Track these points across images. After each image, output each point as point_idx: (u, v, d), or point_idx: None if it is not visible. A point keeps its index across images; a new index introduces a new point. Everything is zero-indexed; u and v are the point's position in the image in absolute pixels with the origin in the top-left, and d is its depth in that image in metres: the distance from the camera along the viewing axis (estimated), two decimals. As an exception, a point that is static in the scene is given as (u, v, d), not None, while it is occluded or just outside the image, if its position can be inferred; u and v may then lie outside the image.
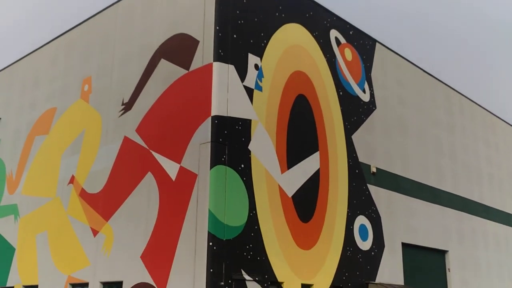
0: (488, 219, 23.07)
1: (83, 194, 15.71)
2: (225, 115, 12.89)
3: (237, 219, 12.54)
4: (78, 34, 18.11)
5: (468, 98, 23.97)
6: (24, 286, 17.01)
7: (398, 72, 19.81)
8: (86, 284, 14.74)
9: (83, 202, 15.61)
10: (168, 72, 14.22)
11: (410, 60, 20.68)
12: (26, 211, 17.91)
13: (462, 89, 23.80)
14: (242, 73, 13.59)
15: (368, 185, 16.87)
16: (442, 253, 19.92)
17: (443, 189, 20.54)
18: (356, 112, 17.15)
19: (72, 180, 16.31)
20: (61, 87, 18.08)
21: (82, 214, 15.51)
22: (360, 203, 16.35)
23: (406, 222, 18.22)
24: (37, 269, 16.52)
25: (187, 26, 14.09)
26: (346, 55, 17.38)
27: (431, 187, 19.88)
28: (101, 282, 14.36)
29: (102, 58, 16.74)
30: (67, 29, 18.66)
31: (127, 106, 15.13)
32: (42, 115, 18.59)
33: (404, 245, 17.77)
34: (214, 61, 13.11)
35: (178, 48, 14.18)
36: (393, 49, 19.82)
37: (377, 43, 19.00)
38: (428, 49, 59.20)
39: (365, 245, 16.08)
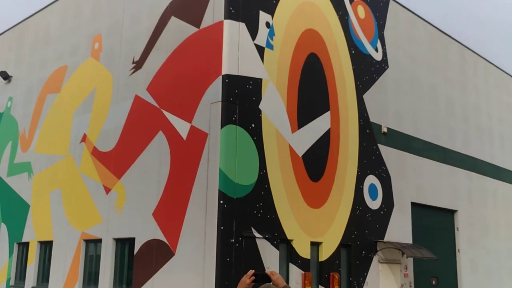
0: (498, 179, 23.04)
1: (95, 152, 15.85)
2: (236, 74, 12.82)
3: (248, 177, 12.64)
4: (87, -9, 17.90)
5: (483, 57, 23.56)
6: (39, 241, 17.42)
7: (411, 30, 19.46)
8: (99, 240, 15.05)
9: (95, 160, 15.77)
10: (178, 30, 14.09)
11: (425, 18, 20.26)
12: (39, 169, 18.15)
13: (477, 48, 23.41)
14: (253, 31, 13.44)
15: (379, 145, 16.85)
16: (451, 212, 20.02)
17: (454, 149, 20.47)
18: (368, 71, 16.97)
19: (84, 138, 16.43)
20: (71, 45, 18.01)
21: (95, 172, 15.70)
22: (370, 162, 16.36)
23: (416, 182, 18.26)
24: (52, 225, 16.86)
25: (197, -17, 13.86)
26: (359, 12, 17.07)
27: (442, 147, 19.81)
28: (114, 239, 14.66)
29: (112, 15, 16.58)
30: (76, -15, 18.44)
31: (138, 65, 15.07)
32: (53, 73, 18.59)
33: (414, 205, 17.86)
34: (225, 19, 12.94)
35: (189, 6, 13.99)
36: (407, 6, 19.41)
37: (390, 0, 18.60)
38: (446, 8, 57.83)
39: (374, 204, 16.18)
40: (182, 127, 13.30)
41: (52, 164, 17.61)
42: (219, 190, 12.07)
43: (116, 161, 15.07)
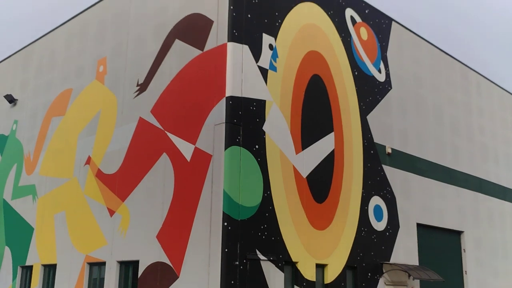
0: (504, 200, 22.88)
1: (100, 175, 15.86)
2: (240, 95, 12.86)
3: (252, 199, 12.59)
4: (92, 15, 18.11)
5: (486, 78, 23.61)
6: (42, 265, 17.33)
7: (414, 51, 19.56)
8: (103, 263, 14.96)
9: (100, 183, 15.77)
10: (182, 53, 14.19)
11: (427, 39, 20.37)
12: (44, 192, 18.15)
13: (480, 68, 23.48)
14: (257, 54, 13.52)
15: (383, 166, 16.80)
16: (457, 233, 19.85)
17: (459, 169, 20.39)
18: (371, 92, 17.01)
19: (88, 160, 16.46)
20: (76, 68, 18.16)
21: (99, 194, 15.68)
22: (375, 183, 16.30)
23: (422, 202, 18.15)
24: (55, 248, 16.80)
25: (201, 6, 14.01)
26: (361, 34, 17.18)
27: (447, 167, 19.73)
28: (118, 261, 14.57)
29: (116, 39, 16.74)
30: (82, 10, 18.66)
31: (142, 87, 15.16)
32: (58, 96, 18.72)
33: (419, 226, 17.73)
34: (228, 41, 13.04)
35: (193, 28, 14.12)
36: (409, 27, 19.53)
37: (393, 22, 18.73)
38: (448, 28, 58.20)
39: (379, 225, 16.07)
40: (186, 149, 13.31)
41: (57, 186, 17.61)
42: (223, 212, 12.02)
43: (121, 183, 15.06)
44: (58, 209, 17.20)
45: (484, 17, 60.70)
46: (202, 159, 12.83)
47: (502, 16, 60.56)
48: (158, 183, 13.81)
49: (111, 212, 15.06)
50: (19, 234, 18.69)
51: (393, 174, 17.09)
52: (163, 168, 13.80)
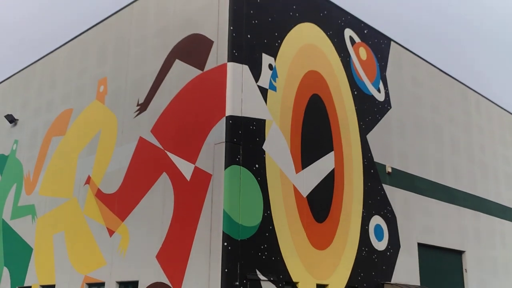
0: (505, 219, 22.79)
1: (99, 194, 15.83)
2: (240, 115, 12.90)
3: (252, 219, 12.55)
4: (93, 35, 18.26)
5: (485, 97, 23.71)
6: (41, 285, 17.19)
7: (413, 70, 19.66)
8: (103, 284, 14.85)
9: (99, 202, 15.73)
10: (182, 73, 14.28)
11: (426, 58, 20.50)
12: (43, 212, 18.10)
13: (479, 87, 23.60)
14: (256, 73, 13.60)
15: (384, 185, 16.77)
16: (458, 253, 19.73)
17: (459, 188, 20.35)
18: (371, 111, 17.06)
19: (88, 180, 16.44)
20: (77, 88, 18.25)
21: (98, 214, 15.63)
22: (375, 203, 16.25)
23: (422, 222, 18.07)
24: (54, 269, 16.68)
25: (201, 26, 14.14)
26: (360, 54, 17.30)
27: (447, 186, 19.70)
28: (117, 282, 14.46)
29: (117, 59, 16.85)
30: (83, 30, 18.82)
31: (142, 107, 15.22)
32: (58, 116, 18.77)
33: (420, 246, 17.63)
34: (228, 61, 13.12)
35: (193, 49, 14.22)
36: (408, 47, 19.67)
37: (392, 42, 18.87)
38: (446, 47, 58.63)
39: (380, 245, 15.98)
40: (186, 168, 13.30)
41: (56, 206, 17.56)
42: (223, 231, 11.96)
43: (120, 203, 15.02)
44: (57, 229, 17.13)
45: (482, 35, 61.21)
46: (202, 178, 12.81)
47: (500, 36, 61.07)
48: (158, 203, 13.77)
49: (111, 232, 14.99)
50: (18, 254, 18.58)
51: (393, 193, 17.06)
52: (163, 187, 13.78)
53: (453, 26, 61.62)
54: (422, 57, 20.26)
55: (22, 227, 18.87)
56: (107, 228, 15.14)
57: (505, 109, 25.18)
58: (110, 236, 14.96)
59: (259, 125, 13.33)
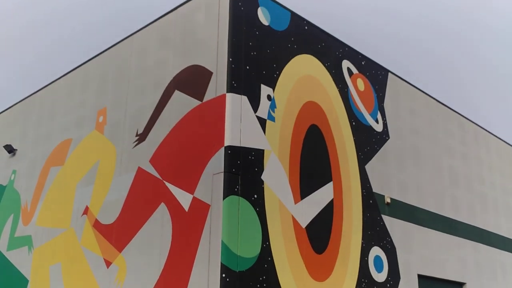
0: (505, 250, 22.63)
1: (97, 225, 15.73)
2: (238, 145, 12.93)
3: (250, 250, 12.44)
4: (94, 66, 18.43)
5: (483, 128, 23.83)
6: (36, 318, 16.93)
7: (411, 102, 19.81)
8: (99, 316, 14.63)
9: (97, 233, 15.62)
10: (182, 103, 14.37)
11: (423, 89, 20.69)
12: (40, 242, 17.95)
13: (476, 118, 23.74)
14: (255, 104, 13.69)
15: (383, 216, 16.70)
16: (459, 285, 19.52)
17: (459, 219, 20.26)
18: (369, 142, 17.11)
19: (86, 211, 16.36)
20: (76, 119, 18.32)
21: (96, 245, 15.50)
22: (374, 234, 16.16)
23: (422, 253, 17.94)
24: (50, 301, 16.45)
25: (200, 58, 14.29)
26: (358, 85, 17.45)
27: (447, 217, 19.62)
28: (114, 314, 14.25)
29: (117, 89, 16.98)
30: (83, 61, 19.01)
31: (141, 137, 15.26)
32: (57, 146, 18.80)
33: (421, 277, 17.46)
34: (227, 92, 13.23)
35: (192, 80, 14.35)
36: (405, 78, 19.87)
37: (389, 73, 19.06)
38: (442, 77, 59.19)
39: (380, 276, 15.82)
40: (184, 199, 13.26)
41: (53, 237, 17.43)
42: (221, 263, 11.85)
43: (118, 233, 14.92)
44: (54, 260, 16.96)
45: (479, 65, 61.87)
46: (200, 209, 12.76)
47: (496, 67, 61.72)
48: (156, 234, 13.68)
49: (108, 263, 14.84)
50: (14, 286, 18.34)
51: (392, 224, 16.98)
52: (161, 218, 13.71)
53: (452, 55, 62.36)
54: (419, 87, 20.45)
55: (18, 258, 18.68)
56: (104, 259, 14.99)
57: (503, 140, 25.27)
58: (107, 267, 14.81)
59: (257, 155, 13.35)
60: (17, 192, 20.22)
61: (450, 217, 19.85)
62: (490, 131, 24.41)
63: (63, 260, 16.59)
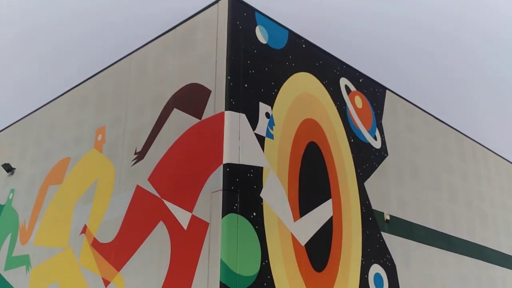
0: (506, 267, 22.51)
1: (95, 244, 15.64)
2: (237, 163, 12.93)
3: (250, 268, 12.37)
4: (92, 85, 18.50)
5: (481, 144, 23.86)
6: (34, 338, 16.75)
7: (409, 118, 19.86)
8: (97, 337, 14.48)
9: (95, 252, 15.53)
10: (180, 122, 14.39)
11: (421, 106, 20.76)
12: (38, 262, 17.82)
13: (474, 134, 23.80)
14: (254, 122, 13.72)
15: (382, 233, 16.64)
16: (460, 303, 19.37)
17: (459, 236, 20.19)
18: (368, 159, 17.12)
19: (84, 229, 16.29)
20: (75, 137, 18.33)
21: (94, 264, 15.40)
22: (374, 251, 16.08)
23: (422, 270, 17.83)
24: (47, 321, 16.29)
25: (199, 76, 14.36)
26: (356, 102, 17.51)
27: (446, 234, 19.55)
28: (112, 334, 14.11)
29: (116, 108, 17.02)
30: (82, 80, 19.09)
31: (140, 155, 15.26)
32: (56, 164, 18.78)
33: (421, 295, 17.33)
34: (225, 110, 13.26)
35: (191, 98, 14.40)
36: (403, 95, 19.96)
37: (387, 91, 19.14)
38: (441, 93, 59.46)
39: (380, 294, 15.72)
40: (183, 217, 13.21)
41: (51, 256, 17.32)
42: (220, 282, 11.77)
43: (116, 252, 14.83)
44: (52, 280, 16.83)
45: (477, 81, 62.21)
46: (199, 227, 12.71)
47: (494, 83, 62.04)
48: (154, 252, 13.60)
49: (106, 283, 14.73)
50: (11, 306, 18.19)
51: (392, 241, 16.90)
52: (159, 236, 13.64)
53: (446, 73, 62.70)
54: (417, 104, 20.53)
55: (16, 278, 18.53)
56: (103, 279, 14.88)
57: (502, 157, 25.30)
58: (106, 286, 14.69)
59: (256, 172, 13.33)
60: (15, 211, 20.14)
61: (450, 234, 19.77)
62: (489, 148, 24.45)
63: (61, 279, 16.46)
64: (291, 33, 15.86)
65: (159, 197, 14.11)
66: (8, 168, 21.02)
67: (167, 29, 15.99)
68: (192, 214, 13.00)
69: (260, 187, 13.31)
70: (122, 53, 17.53)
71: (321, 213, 14.82)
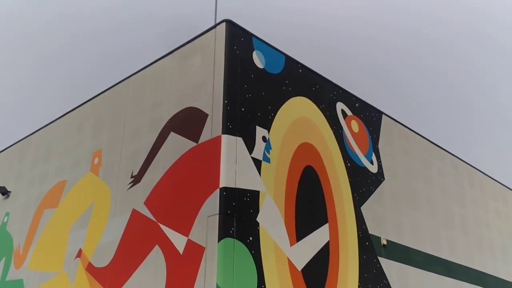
0: (504, 293, 22.37)
1: (90, 268, 15.50)
2: (233, 186, 12.91)
3: (246, 293, 12.25)
4: (90, 109, 18.55)
5: (477, 169, 23.92)
6: None
7: (405, 143, 19.94)
8: None
9: (90, 277, 15.37)
10: (177, 145, 14.41)
11: (417, 130, 20.87)
12: (31, 287, 17.61)
13: (470, 158, 23.87)
14: (250, 145, 13.75)
15: (379, 258, 16.55)
16: (458, 329, 19.19)
17: (456, 261, 20.09)
18: (364, 183, 17.12)
19: (79, 253, 16.15)
20: (71, 160, 18.30)
21: (88, 289, 15.23)
22: (371, 276, 15.97)
23: (420, 296, 17.69)
24: None
25: (196, 100, 14.43)
26: (352, 126, 17.59)
27: (443, 259, 19.46)
28: None
29: (112, 131, 17.04)
30: (80, 103, 19.14)
31: (136, 179, 15.22)
32: (52, 188, 18.70)
33: (419, 321, 17.18)
34: (222, 133, 13.30)
35: (188, 121, 14.44)
36: (399, 119, 20.08)
37: (383, 115, 19.25)
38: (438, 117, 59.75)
39: (378, 320, 15.56)
40: (179, 241, 13.13)
41: (45, 281, 17.12)
42: (216, 306, 11.65)
43: (112, 277, 14.68)
44: (45, 305, 16.62)
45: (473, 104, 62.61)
46: (195, 251, 12.63)
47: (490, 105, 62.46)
48: (150, 277, 13.48)
49: (100, 308, 14.55)
50: (3, 332, 17.92)
51: (389, 266, 16.81)
52: (155, 260, 13.54)
53: (443, 97, 63.14)
54: (413, 129, 20.63)
55: (8, 303, 18.29)
56: (97, 304, 14.71)
57: (497, 181, 25.34)
58: (100, 312, 14.52)
59: (253, 196, 13.31)
60: (9, 234, 19.97)
61: (447, 259, 19.68)
62: (484, 172, 24.50)
63: (55, 304, 16.26)
64: (288, 58, 16.01)
65: (155, 221, 14.04)
66: (4, 191, 20.92)
67: (165, 53, 16.13)
68: (188, 238, 12.93)
69: (256, 211, 13.27)
70: (119, 77, 17.65)
71: (318, 238, 14.75)
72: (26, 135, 21.63)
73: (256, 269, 12.70)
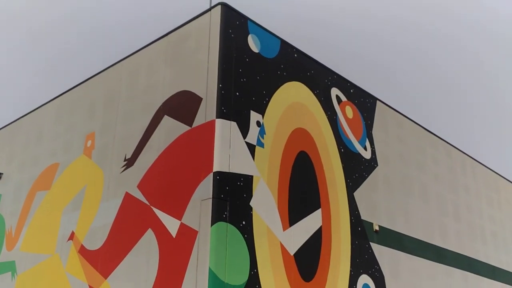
0: (494, 279, 22.59)
1: (83, 251, 15.50)
2: (227, 171, 12.89)
3: (238, 277, 12.30)
4: (83, 91, 18.41)
5: (470, 156, 24.01)
6: None
7: (399, 129, 19.95)
8: None
9: (82, 259, 15.38)
10: (171, 129, 14.35)
11: (411, 117, 20.88)
12: (24, 268, 17.62)
13: (464, 146, 23.95)
14: (244, 130, 13.71)
15: (371, 243, 16.64)
16: (448, 314, 19.39)
17: (447, 248, 20.24)
18: (357, 169, 17.15)
19: (72, 236, 16.13)
20: (64, 143, 18.20)
21: (81, 272, 15.24)
22: (363, 261, 16.07)
23: (411, 282, 17.84)
24: (32, 329, 16.08)
25: (190, 84, 14.34)
26: (347, 112, 17.57)
27: (435, 246, 19.59)
28: None
29: (106, 114, 16.93)
30: (72, 86, 18.99)
31: (129, 162, 15.17)
32: (44, 170, 18.62)
33: (409, 306, 17.33)
34: (216, 118, 13.24)
35: (181, 105, 14.36)
36: (394, 106, 20.06)
37: (377, 101, 19.23)
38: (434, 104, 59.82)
39: (369, 305, 15.69)
40: (171, 225, 13.13)
41: (38, 263, 17.12)
42: (208, 290, 11.69)
43: (104, 259, 14.69)
44: (38, 286, 16.64)
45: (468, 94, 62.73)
46: (187, 235, 12.64)
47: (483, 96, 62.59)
48: (142, 260, 13.49)
49: (93, 290, 14.58)
50: (-5, 313, 17.95)
51: (381, 252, 16.90)
52: (147, 244, 13.54)
53: (438, 86, 63.18)
54: (407, 115, 20.64)
55: (1, 285, 18.29)
56: (89, 286, 14.73)
57: (490, 168, 25.45)
58: (92, 294, 14.55)
59: (246, 181, 13.30)
60: (1, 216, 19.92)
61: (439, 245, 19.82)
62: (477, 159, 24.60)
63: (47, 286, 16.28)
64: (283, 43, 15.91)
65: (148, 204, 14.02)
66: (-5, 173, 20.82)
67: (159, 36, 15.98)
68: (181, 222, 12.93)
69: (249, 195, 13.27)
70: (113, 60, 17.49)
71: (311, 223, 14.80)
72: (17, 117, 21.46)
73: (249, 253, 12.74)
